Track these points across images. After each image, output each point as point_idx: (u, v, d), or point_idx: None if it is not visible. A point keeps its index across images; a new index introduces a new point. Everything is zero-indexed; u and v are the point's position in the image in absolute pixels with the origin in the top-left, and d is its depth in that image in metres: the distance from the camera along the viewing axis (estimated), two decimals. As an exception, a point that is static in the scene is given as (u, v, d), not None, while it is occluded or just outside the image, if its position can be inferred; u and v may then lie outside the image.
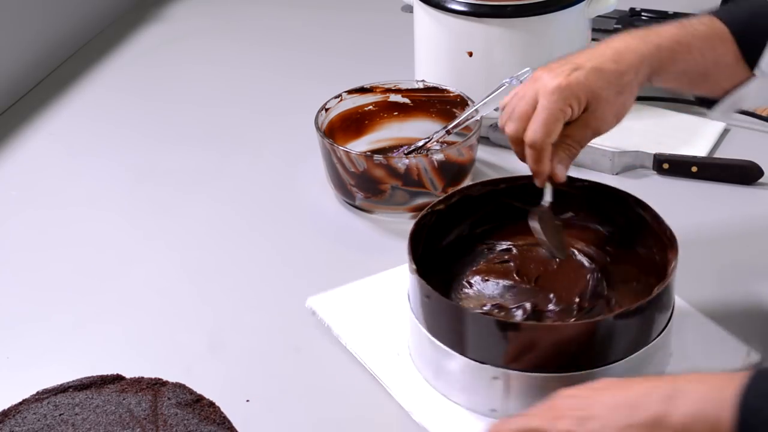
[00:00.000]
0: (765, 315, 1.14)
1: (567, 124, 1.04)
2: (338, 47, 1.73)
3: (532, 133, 1.02)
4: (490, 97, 1.33)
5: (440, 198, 1.11)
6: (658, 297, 0.99)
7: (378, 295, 1.16)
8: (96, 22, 1.78)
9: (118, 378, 1.05)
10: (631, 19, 1.72)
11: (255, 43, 1.75)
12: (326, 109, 1.36)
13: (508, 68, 1.36)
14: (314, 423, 1.04)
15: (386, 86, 1.41)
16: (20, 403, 1.02)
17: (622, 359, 0.98)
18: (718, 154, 1.40)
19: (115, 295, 1.21)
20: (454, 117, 1.36)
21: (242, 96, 1.61)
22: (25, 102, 1.59)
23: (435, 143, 1.34)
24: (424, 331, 1.03)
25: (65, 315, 1.18)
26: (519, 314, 1.04)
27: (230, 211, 1.35)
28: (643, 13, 1.74)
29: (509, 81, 1.33)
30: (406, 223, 1.09)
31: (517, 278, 1.08)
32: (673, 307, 1.04)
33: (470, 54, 1.40)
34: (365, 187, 1.30)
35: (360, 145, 1.39)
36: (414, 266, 1.02)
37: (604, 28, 1.71)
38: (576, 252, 1.11)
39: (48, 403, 1.01)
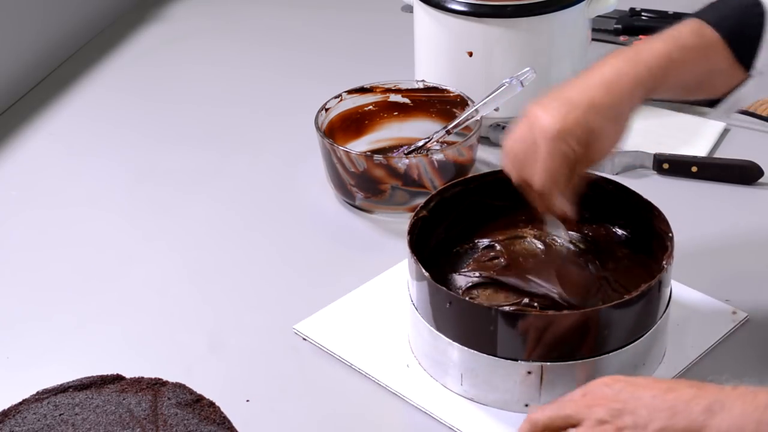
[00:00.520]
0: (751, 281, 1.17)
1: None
2: (338, 47, 1.73)
3: (540, 181, 1.02)
4: (490, 97, 1.33)
5: (421, 205, 1.11)
6: (665, 275, 1.02)
7: (364, 312, 1.16)
8: (96, 22, 1.78)
9: (118, 378, 1.05)
10: (631, 19, 1.73)
11: (255, 43, 1.75)
12: (326, 109, 1.36)
13: (508, 68, 1.37)
14: (314, 423, 1.04)
15: (386, 86, 1.41)
16: (20, 403, 1.02)
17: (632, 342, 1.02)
18: (718, 154, 1.40)
19: (115, 295, 1.21)
20: (454, 117, 1.36)
21: (242, 96, 1.61)
22: (25, 102, 1.59)
23: (435, 143, 1.34)
24: (446, 338, 1.03)
25: (65, 315, 1.18)
26: (537, 305, 1.04)
27: (230, 211, 1.35)
28: (643, 13, 1.74)
29: (509, 81, 1.33)
30: (406, 223, 1.09)
31: (511, 272, 1.08)
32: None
33: (470, 54, 1.40)
34: (365, 187, 1.30)
35: (360, 145, 1.39)
36: (427, 275, 1.02)
37: (604, 28, 1.71)
38: (561, 240, 1.12)
39: (48, 403, 1.01)
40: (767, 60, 1.04)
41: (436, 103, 1.40)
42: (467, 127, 1.34)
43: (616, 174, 1.37)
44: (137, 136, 1.52)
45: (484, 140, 1.42)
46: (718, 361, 1.09)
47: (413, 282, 1.06)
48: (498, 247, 1.12)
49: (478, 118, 1.33)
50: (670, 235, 1.06)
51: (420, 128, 1.40)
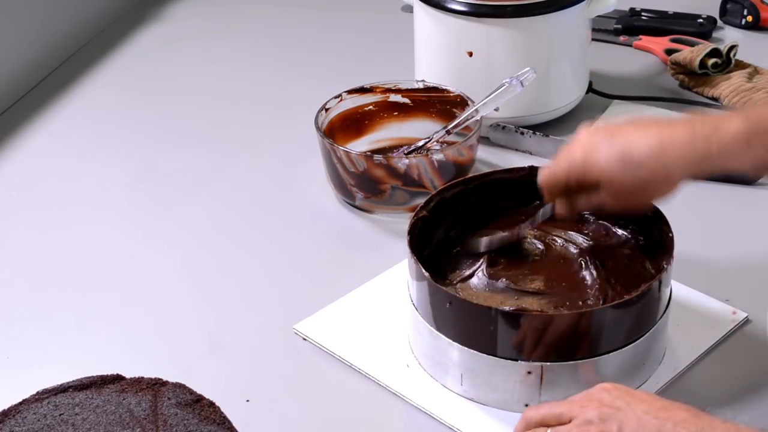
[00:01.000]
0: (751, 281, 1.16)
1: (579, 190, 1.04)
2: (338, 47, 1.73)
3: (541, 176, 1.06)
4: (490, 97, 1.33)
5: (421, 205, 1.11)
6: (665, 275, 1.02)
7: (364, 312, 1.16)
8: (96, 22, 1.78)
9: (118, 378, 1.05)
10: (631, 19, 1.73)
11: (255, 43, 1.75)
12: (326, 109, 1.36)
13: (508, 68, 1.37)
14: (314, 423, 1.04)
15: (386, 86, 1.41)
16: (20, 403, 1.02)
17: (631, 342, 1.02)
18: (718, 154, 1.40)
19: (115, 295, 1.21)
20: (454, 117, 1.36)
21: (242, 96, 1.61)
22: (25, 102, 1.59)
23: (435, 143, 1.34)
24: (446, 338, 1.03)
25: (65, 315, 1.18)
26: (537, 306, 1.04)
27: (230, 211, 1.35)
28: (643, 13, 1.75)
29: (509, 81, 1.33)
30: (406, 223, 1.09)
31: (511, 272, 1.08)
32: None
33: (470, 54, 1.40)
34: (365, 187, 1.30)
35: (360, 145, 1.39)
36: (427, 275, 1.02)
37: (604, 28, 1.71)
38: (561, 240, 1.12)
39: (48, 403, 1.01)
40: None
41: (436, 103, 1.40)
42: (467, 127, 1.34)
43: (616, 174, 1.37)
44: (137, 136, 1.52)
45: (484, 140, 1.42)
46: (718, 360, 1.09)
47: (413, 282, 1.06)
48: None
49: (478, 118, 1.33)
50: (670, 235, 1.06)
51: (420, 128, 1.40)
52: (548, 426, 0.91)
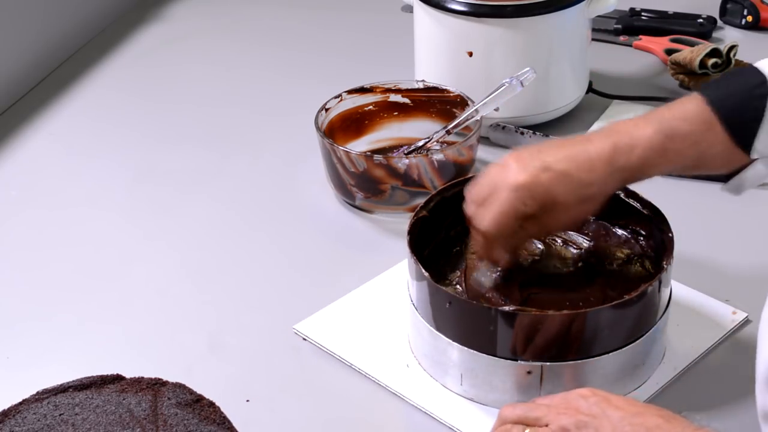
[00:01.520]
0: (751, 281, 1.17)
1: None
2: (338, 47, 1.73)
3: (487, 225, 1.03)
4: (490, 97, 1.33)
5: (421, 205, 1.11)
6: (665, 275, 1.02)
7: (364, 312, 1.16)
8: (96, 22, 1.78)
9: (118, 378, 1.05)
10: (631, 19, 1.73)
11: (255, 43, 1.75)
12: (326, 109, 1.36)
13: (508, 68, 1.37)
14: (314, 423, 1.04)
15: (386, 86, 1.41)
16: (20, 403, 1.02)
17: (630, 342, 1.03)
18: (718, 154, 1.40)
19: (115, 295, 1.21)
20: (454, 117, 1.36)
21: (242, 96, 1.61)
22: (25, 102, 1.59)
23: (435, 143, 1.34)
24: (445, 338, 1.03)
25: (65, 315, 1.18)
26: (536, 306, 1.04)
27: (230, 211, 1.35)
28: (643, 13, 1.75)
29: (509, 81, 1.33)
30: (406, 223, 1.09)
31: (506, 272, 1.09)
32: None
33: (470, 54, 1.40)
34: (365, 187, 1.30)
35: (360, 145, 1.39)
36: (427, 275, 1.02)
37: (604, 28, 1.71)
38: (561, 240, 1.13)
39: (48, 403, 1.01)
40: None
41: (436, 103, 1.40)
42: (467, 127, 1.34)
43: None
44: (137, 136, 1.52)
45: (484, 140, 1.42)
46: (718, 360, 1.09)
47: (413, 282, 1.06)
48: None
49: (478, 118, 1.33)
50: (670, 235, 1.06)
51: (420, 128, 1.40)
52: (526, 425, 0.91)
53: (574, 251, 1.11)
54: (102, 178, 1.43)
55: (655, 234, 1.09)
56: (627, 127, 1.01)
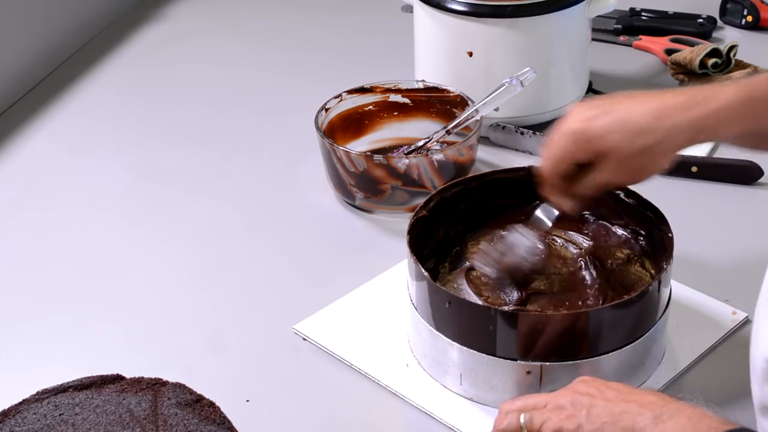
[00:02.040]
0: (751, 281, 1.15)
1: (582, 167, 1.02)
2: (338, 47, 1.73)
3: (542, 165, 1.04)
4: (490, 97, 1.33)
5: (421, 205, 1.11)
6: (665, 275, 1.03)
7: (364, 312, 1.16)
8: (96, 22, 1.78)
9: (118, 378, 1.05)
10: (631, 19, 1.73)
11: (255, 43, 1.75)
12: (326, 109, 1.36)
13: (508, 68, 1.37)
14: (314, 423, 1.04)
15: (386, 86, 1.41)
16: (20, 403, 1.02)
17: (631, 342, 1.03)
18: (718, 154, 1.40)
19: (115, 295, 1.21)
20: (454, 117, 1.36)
21: (242, 96, 1.61)
22: (25, 102, 1.59)
23: (435, 143, 1.34)
24: (445, 338, 1.03)
25: (65, 315, 1.18)
26: (537, 306, 1.05)
27: (230, 211, 1.35)
28: (643, 13, 1.74)
29: (509, 81, 1.33)
30: (406, 223, 1.09)
31: (508, 273, 1.09)
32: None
33: (470, 54, 1.40)
34: (365, 187, 1.30)
35: (360, 145, 1.39)
36: (427, 275, 1.03)
37: (604, 28, 1.71)
38: (561, 240, 1.13)
39: (48, 403, 1.01)
40: None
41: (436, 103, 1.40)
42: (467, 127, 1.34)
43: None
44: (137, 136, 1.52)
45: (484, 140, 1.42)
46: (718, 361, 1.09)
47: (413, 282, 1.06)
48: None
49: (478, 118, 1.33)
50: (670, 235, 1.06)
51: (420, 128, 1.40)
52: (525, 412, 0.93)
53: (574, 251, 1.11)
54: (102, 178, 1.43)
55: (655, 234, 1.09)
56: (708, 86, 0.99)
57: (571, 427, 0.88)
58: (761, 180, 1.34)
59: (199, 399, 1.02)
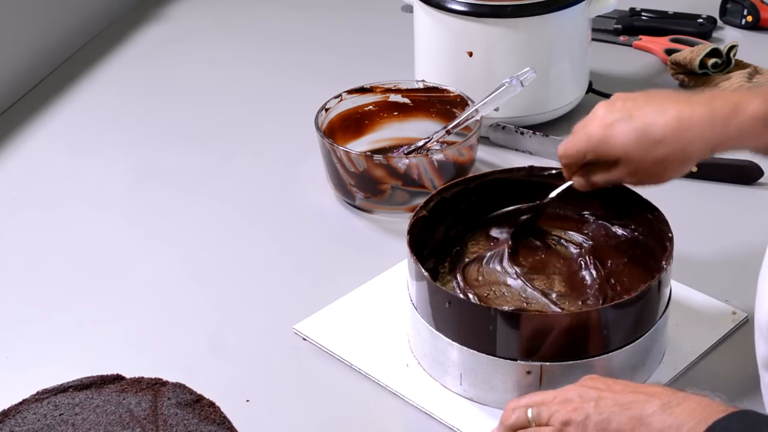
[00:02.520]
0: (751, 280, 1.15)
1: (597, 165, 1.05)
2: (338, 47, 1.73)
3: (559, 151, 1.07)
4: (490, 97, 1.33)
5: (421, 205, 1.12)
6: (665, 275, 1.03)
7: (364, 312, 1.16)
8: (96, 22, 1.78)
9: (118, 378, 1.05)
10: (631, 19, 1.73)
11: (255, 43, 1.75)
12: (326, 109, 1.36)
13: (508, 68, 1.37)
14: (314, 423, 1.04)
15: (386, 86, 1.41)
16: (20, 403, 1.02)
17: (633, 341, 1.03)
18: (718, 154, 1.40)
19: (115, 295, 1.21)
20: (454, 117, 1.36)
21: (242, 96, 1.61)
22: (25, 102, 1.59)
23: (435, 143, 1.34)
24: (445, 338, 1.03)
25: (65, 315, 1.18)
26: (537, 306, 1.05)
27: (230, 211, 1.35)
28: (643, 13, 1.74)
29: (509, 81, 1.33)
30: (406, 223, 1.09)
31: (510, 271, 1.09)
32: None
33: (470, 54, 1.40)
34: (365, 187, 1.30)
35: (360, 145, 1.39)
36: (427, 275, 1.03)
37: (604, 28, 1.71)
38: (561, 240, 1.13)
39: (48, 403, 1.01)
40: None
41: (436, 103, 1.40)
42: (467, 127, 1.34)
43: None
44: (137, 136, 1.52)
45: (484, 140, 1.42)
46: (718, 361, 1.09)
47: (413, 282, 1.06)
48: (499, 244, 1.13)
49: (478, 118, 1.33)
50: (670, 235, 1.06)
51: (420, 128, 1.40)
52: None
53: (575, 251, 1.11)
54: (102, 178, 1.43)
55: (655, 234, 1.09)
56: (731, 96, 0.99)
57: (579, 418, 0.88)
58: (761, 180, 1.34)
59: (199, 399, 1.02)
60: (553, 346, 0.99)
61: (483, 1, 1.38)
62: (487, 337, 1.00)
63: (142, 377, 1.05)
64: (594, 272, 1.08)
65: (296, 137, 1.47)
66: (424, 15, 1.43)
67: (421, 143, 1.35)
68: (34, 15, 1.62)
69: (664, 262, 1.03)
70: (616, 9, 1.55)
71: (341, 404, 1.06)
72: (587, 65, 1.50)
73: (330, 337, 1.12)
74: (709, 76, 1.54)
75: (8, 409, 1.01)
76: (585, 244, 1.12)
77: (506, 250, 1.11)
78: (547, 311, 1.03)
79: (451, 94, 1.39)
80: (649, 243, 1.11)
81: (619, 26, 1.71)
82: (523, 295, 1.06)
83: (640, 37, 1.69)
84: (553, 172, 1.13)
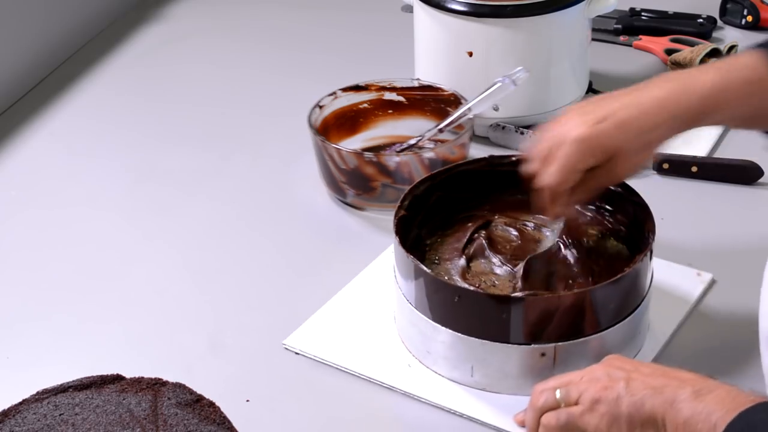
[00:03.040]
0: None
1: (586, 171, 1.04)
2: (338, 47, 1.73)
3: (548, 177, 1.04)
4: (483, 95, 1.33)
5: (398, 205, 1.12)
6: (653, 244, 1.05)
7: (350, 315, 1.15)
8: (96, 22, 1.78)
9: (118, 378, 1.05)
10: (631, 19, 1.73)
11: (255, 43, 1.75)
12: (320, 107, 1.36)
13: (508, 68, 1.36)
14: (315, 423, 1.04)
15: (381, 84, 1.41)
16: (20, 403, 1.02)
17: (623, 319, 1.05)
18: (718, 154, 1.40)
19: (115, 295, 1.21)
20: (448, 115, 1.36)
21: (242, 96, 1.61)
22: (25, 102, 1.59)
23: (427, 141, 1.34)
24: (454, 332, 1.03)
25: (65, 315, 1.18)
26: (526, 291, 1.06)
27: (230, 211, 1.35)
28: (643, 13, 1.74)
29: (502, 80, 1.33)
30: (398, 220, 1.10)
31: (494, 261, 1.10)
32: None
33: (470, 54, 1.40)
34: (356, 184, 1.30)
35: (355, 142, 1.39)
36: (429, 272, 1.03)
37: (604, 28, 1.71)
38: (532, 224, 1.15)
39: (48, 403, 1.02)
40: None
41: (431, 101, 1.40)
42: (460, 126, 1.34)
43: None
44: (137, 136, 1.52)
45: (484, 140, 1.42)
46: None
47: (411, 282, 1.06)
48: (475, 236, 1.13)
49: (471, 116, 1.33)
50: (645, 204, 1.08)
51: (415, 126, 1.40)
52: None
53: (548, 234, 1.12)
54: (102, 178, 1.43)
55: (626, 207, 1.11)
56: (685, 75, 1.03)
57: (611, 397, 0.89)
58: (761, 180, 1.34)
59: (199, 399, 1.02)
60: (565, 326, 1.01)
61: (483, 1, 1.38)
62: (500, 326, 1.01)
63: (142, 377, 1.05)
64: (574, 251, 1.09)
65: (296, 137, 1.46)
66: (424, 15, 1.43)
67: (413, 141, 1.35)
68: (34, 15, 1.62)
69: (649, 232, 1.05)
70: (616, 9, 1.55)
71: (342, 404, 1.06)
72: (587, 65, 1.50)
73: (323, 348, 1.11)
74: (709, 75, 1.54)
75: (8, 409, 1.02)
76: (557, 226, 1.12)
77: (483, 241, 1.12)
78: (558, 292, 1.04)
79: (446, 93, 1.39)
80: (616, 218, 1.13)
81: (619, 26, 1.71)
82: (514, 281, 1.07)
83: (640, 37, 1.69)
84: (513, 159, 1.15)
